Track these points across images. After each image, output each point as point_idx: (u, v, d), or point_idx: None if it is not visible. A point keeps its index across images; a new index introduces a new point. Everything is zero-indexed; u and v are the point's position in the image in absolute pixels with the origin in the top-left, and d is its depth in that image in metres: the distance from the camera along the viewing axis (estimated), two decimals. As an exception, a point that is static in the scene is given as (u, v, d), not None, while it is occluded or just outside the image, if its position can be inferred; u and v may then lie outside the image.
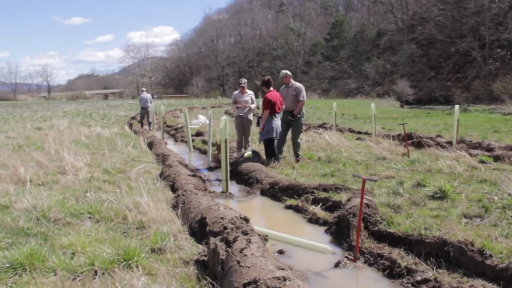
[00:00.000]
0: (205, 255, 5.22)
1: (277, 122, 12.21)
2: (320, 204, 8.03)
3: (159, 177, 10.42)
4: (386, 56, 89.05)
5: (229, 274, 4.30)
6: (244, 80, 13.91)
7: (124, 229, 6.36)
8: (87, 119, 33.57)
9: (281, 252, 6.07)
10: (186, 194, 7.88)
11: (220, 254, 4.66)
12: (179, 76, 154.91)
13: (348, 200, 7.21)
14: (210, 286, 4.52)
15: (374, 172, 10.70)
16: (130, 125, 28.30)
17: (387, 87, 77.54)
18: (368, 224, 6.44)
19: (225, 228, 5.62)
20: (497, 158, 11.65)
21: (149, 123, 27.29)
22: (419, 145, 14.77)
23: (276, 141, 12.38)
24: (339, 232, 6.61)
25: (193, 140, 18.13)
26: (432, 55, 78.56)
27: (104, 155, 13.37)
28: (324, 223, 7.30)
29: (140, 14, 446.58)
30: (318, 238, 6.69)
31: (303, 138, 14.24)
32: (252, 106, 13.58)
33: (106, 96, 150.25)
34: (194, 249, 5.61)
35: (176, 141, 21.29)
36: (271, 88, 12.32)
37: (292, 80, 12.68)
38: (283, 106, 12.37)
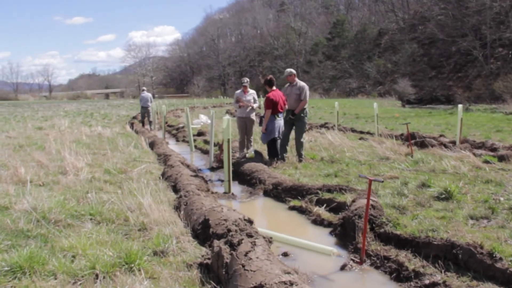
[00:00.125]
0: (208, 258, 5.11)
1: (280, 121, 12.10)
2: (325, 205, 7.93)
3: (161, 178, 10.33)
4: (387, 55, 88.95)
5: (233, 278, 4.19)
6: (246, 79, 13.80)
7: (125, 231, 6.25)
8: (88, 119, 33.49)
9: (285, 254, 5.96)
10: (189, 195, 7.78)
11: (224, 257, 4.56)
12: (180, 75, 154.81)
13: (353, 201, 7.09)
14: (214, 290, 4.43)
15: (377, 172, 10.59)
16: (131, 125, 28.21)
17: (388, 86, 77.48)
18: (373, 225, 6.33)
19: (229, 230, 5.52)
20: (501, 158, 11.53)
21: (150, 123, 27.22)
22: (422, 145, 14.65)
23: (279, 141, 12.29)
24: (344, 234, 6.51)
25: (194, 140, 18.06)
26: (433, 54, 78.51)
27: (105, 155, 13.28)
28: (329, 224, 7.20)
29: (141, 13, 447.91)
30: (323, 240, 6.58)
31: (305, 138, 14.11)
32: (255, 105, 13.46)
33: (107, 96, 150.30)
34: (197, 252, 5.50)
35: (177, 141, 21.22)
36: (274, 88, 12.22)
37: (296, 79, 12.55)
38: (286, 106, 12.27)
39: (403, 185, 8.90)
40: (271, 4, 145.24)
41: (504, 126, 21.38)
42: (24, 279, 4.61)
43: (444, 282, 4.77)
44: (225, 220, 5.91)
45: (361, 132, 20.39)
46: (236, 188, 10.31)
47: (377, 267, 5.49)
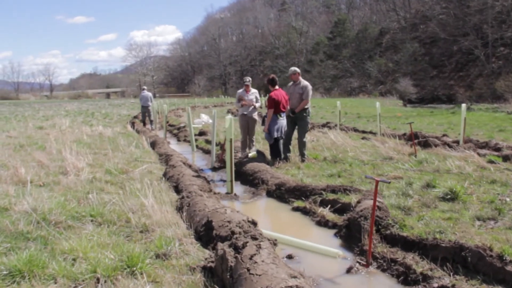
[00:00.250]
0: (212, 261, 5.00)
1: (282, 121, 12.00)
2: (329, 206, 7.81)
3: (162, 178, 10.22)
4: (388, 54, 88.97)
5: (238, 282, 4.09)
6: (248, 78, 13.67)
7: (127, 233, 6.15)
8: (89, 118, 33.40)
9: (290, 257, 5.85)
10: (191, 196, 7.66)
11: (228, 261, 4.44)
12: (181, 75, 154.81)
13: (358, 202, 6.96)
14: (219, 295, 4.33)
15: (381, 172, 10.49)
16: (133, 124, 28.10)
17: (389, 85, 77.48)
18: (379, 227, 6.22)
19: (233, 232, 5.41)
20: (506, 158, 11.44)
21: (151, 122, 27.14)
22: (425, 144, 14.56)
23: (281, 140, 12.19)
24: (350, 236, 6.39)
25: (196, 140, 17.97)
26: (435, 53, 78.52)
27: (107, 155, 13.19)
28: (333, 226, 7.09)
29: (142, 13, 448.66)
30: (328, 241, 6.46)
31: (308, 137, 14.01)
32: (257, 104, 13.36)
33: (108, 95, 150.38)
34: (200, 255, 5.39)
35: (178, 140, 21.13)
36: (277, 87, 12.12)
37: (300, 78, 12.45)
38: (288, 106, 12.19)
39: (408, 185, 8.80)
40: (272, 3, 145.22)
41: (507, 125, 21.28)
42: (23, 283, 4.50)
43: (453, 285, 4.67)
44: (229, 222, 5.80)
45: (363, 132, 20.31)
46: (238, 188, 10.21)
47: (383, 270, 5.37)
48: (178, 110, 44.36)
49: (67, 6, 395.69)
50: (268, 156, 12.61)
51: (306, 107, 12.24)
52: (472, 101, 47.90)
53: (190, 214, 6.79)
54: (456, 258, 5.16)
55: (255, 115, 13.45)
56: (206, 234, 5.95)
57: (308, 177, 10.25)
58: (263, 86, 72.16)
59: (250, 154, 12.46)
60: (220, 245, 4.93)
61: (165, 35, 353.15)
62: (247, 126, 13.26)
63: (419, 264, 5.22)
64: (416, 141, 14.33)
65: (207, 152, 15.80)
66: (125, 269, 4.78)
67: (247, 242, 4.78)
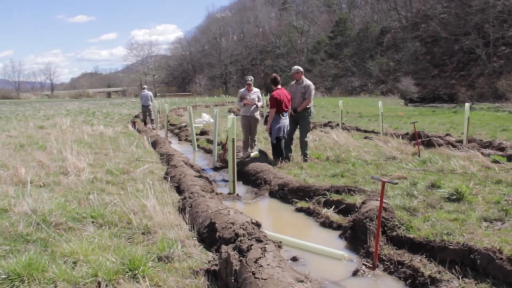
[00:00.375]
0: (216, 265, 4.89)
1: (285, 121, 11.91)
2: (333, 207, 7.72)
3: (164, 178, 10.13)
4: (389, 53, 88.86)
5: (243, 286, 3.98)
6: (250, 77, 13.58)
7: (129, 235, 6.04)
8: (90, 118, 33.27)
9: (294, 259, 5.74)
10: (193, 196, 7.56)
11: (233, 264, 4.33)
12: (182, 74, 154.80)
13: (363, 203, 6.85)
14: (223, 299, 4.22)
15: (385, 172, 10.40)
16: (134, 124, 28.00)
17: (390, 85, 77.44)
18: (385, 229, 6.11)
19: (237, 234, 5.30)
20: (510, 158, 11.34)
21: (152, 121, 27.05)
22: (428, 144, 14.46)
23: (283, 140, 12.10)
24: (355, 237, 6.29)
25: (197, 139, 17.88)
26: (436, 52, 78.45)
27: (107, 155, 13.11)
28: (338, 227, 6.98)
29: (143, 12, 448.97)
30: (333, 243, 6.36)
31: (310, 137, 13.92)
32: (259, 104, 13.26)
33: (109, 95, 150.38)
34: (203, 257, 5.29)
35: (180, 140, 21.02)
36: (279, 86, 12.03)
37: (303, 77, 12.36)
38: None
39: (412, 185, 8.71)
40: (273, 2, 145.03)
41: (510, 125, 21.18)
42: (22, 287, 4.39)
43: (462, 289, 4.57)
44: (232, 223, 5.69)
45: (366, 131, 20.20)
46: (240, 188, 10.11)
47: (390, 273, 5.27)
48: (179, 110, 44.25)
49: (68, 5, 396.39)
50: (271, 156, 12.52)
51: (308, 106, 12.15)
52: (473, 101, 47.76)
53: (192, 215, 6.68)
54: (465, 260, 5.05)
55: (257, 115, 13.35)
56: (209, 236, 5.84)
57: (311, 177, 10.16)
58: (264, 85, 72.19)
59: (252, 154, 12.37)
60: (224, 248, 4.82)
61: (166, 34, 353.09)
62: (249, 125, 13.17)
63: (427, 267, 5.11)
64: (419, 140, 14.23)
65: (208, 151, 15.71)
66: (127, 272, 4.66)
67: (252, 245, 4.66)
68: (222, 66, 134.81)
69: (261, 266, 4.11)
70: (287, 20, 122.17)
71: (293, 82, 12.52)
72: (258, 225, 5.78)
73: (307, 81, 12.28)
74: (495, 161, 10.90)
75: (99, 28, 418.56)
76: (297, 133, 12.60)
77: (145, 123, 27.51)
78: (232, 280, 4.25)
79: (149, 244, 5.64)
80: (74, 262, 4.96)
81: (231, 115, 9.67)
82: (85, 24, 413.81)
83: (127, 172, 10.66)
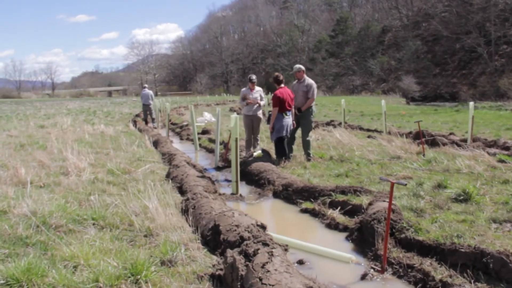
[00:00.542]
0: (221, 269, 4.74)
1: (288, 120, 11.78)
2: (339, 208, 7.57)
3: (165, 178, 9.99)
4: (391, 52, 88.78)
5: (250, 292, 3.84)
6: (254, 76, 13.45)
7: (130, 237, 5.89)
8: (91, 117, 33.11)
9: (301, 262, 5.60)
10: (196, 197, 7.41)
11: (239, 269, 4.19)
12: (183, 73, 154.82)
13: (370, 204, 6.70)
14: (229, 305, 4.08)
15: (390, 172, 10.26)
16: (135, 123, 27.90)
17: (392, 83, 77.45)
18: (393, 231, 5.95)
19: (242, 237, 5.16)
20: (516, 157, 11.21)
21: (153, 120, 26.98)
22: (432, 143, 14.34)
23: (287, 139, 11.98)
24: (362, 239, 6.15)
25: (199, 139, 17.74)
26: (437, 51, 78.40)
27: (108, 155, 12.97)
28: (344, 229, 6.84)
29: (144, 11, 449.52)
30: (339, 245, 6.22)
31: (312, 136, 13.78)
32: (262, 103, 13.14)
33: (110, 94, 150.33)
34: (207, 261, 5.14)
35: (181, 139, 20.89)
36: (282, 85, 11.91)
37: (305, 76, 12.26)
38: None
39: (418, 185, 8.58)
40: (274, 1, 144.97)
41: (513, 124, 21.02)
42: (21, 293, 4.26)
43: (475, 294, 4.43)
44: (237, 226, 5.54)
45: (368, 130, 20.09)
46: (243, 189, 9.98)
47: (400, 277, 5.12)
48: (180, 108, 44.12)
49: (69, 4, 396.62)
50: (274, 155, 12.39)
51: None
52: (475, 99, 47.63)
53: (195, 217, 6.53)
54: (477, 264, 4.90)
55: (260, 114, 13.23)
56: (213, 239, 5.70)
57: (315, 177, 10.02)
58: (265, 84, 72.09)
59: (255, 153, 12.23)
60: (229, 252, 4.67)
61: (167, 34, 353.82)
62: (251, 124, 13.06)
63: (437, 271, 4.97)
64: (423, 139, 14.10)
65: (210, 151, 15.60)
66: (129, 277, 4.51)
67: (258, 249, 4.50)
68: (223, 65, 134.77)
69: (268, 271, 3.97)
70: (288, 19, 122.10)
71: (295, 82, 12.42)
72: (263, 227, 5.64)
73: (309, 80, 12.18)
74: (501, 161, 10.78)
75: (100, 27, 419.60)
76: (299, 132, 12.47)
77: (146, 122, 27.40)
78: (238, 286, 4.11)
79: (151, 247, 5.50)
80: (75, 267, 4.81)
81: (234, 114, 9.54)
82: (86, 23, 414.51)
83: (128, 172, 10.52)
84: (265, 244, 4.72)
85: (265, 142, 14.85)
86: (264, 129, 15.47)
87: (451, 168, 10.25)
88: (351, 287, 4.98)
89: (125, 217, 6.62)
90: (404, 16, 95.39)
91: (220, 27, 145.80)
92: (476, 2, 70.75)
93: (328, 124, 22.74)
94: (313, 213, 7.80)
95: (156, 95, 39.06)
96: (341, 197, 7.91)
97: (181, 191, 8.82)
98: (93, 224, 6.37)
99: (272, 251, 4.37)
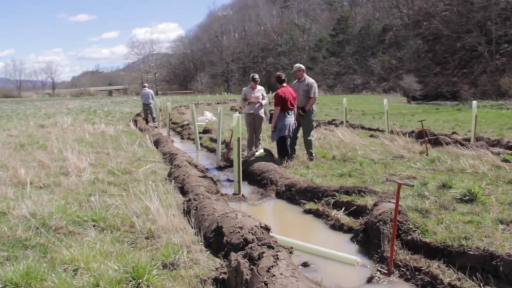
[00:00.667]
0: (224, 273, 4.62)
1: (290, 119, 11.69)
2: (343, 208, 7.45)
3: (167, 178, 9.88)
4: (391, 51, 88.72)
5: (255, 297, 3.73)
6: (257, 75, 13.36)
7: (132, 239, 5.78)
8: (91, 116, 33.02)
9: (305, 264, 5.49)
10: (199, 198, 7.29)
11: (244, 273, 4.08)
12: (183, 72, 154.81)
13: (375, 205, 6.58)
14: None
15: (393, 172, 10.16)
16: (135, 122, 27.78)
17: (392, 82, 77.37)
18: (399, 232, 5.84)
19: (246, 239, 5.05)
20: (520, 157, 11.09)
21: (153, 119, 26.90)
22: (435, 142, 14.22)
23: (289, 139, 11.88)
24: (367, 241, 6.04)
25: (200, 138, 17.62)
26: (438, 50, 78.30)
27: (109, 154, 12.87)
28: (349, 230, 6.73)
29: (145, 11, 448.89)
30: (344, 247, 6.11)
31: (314, 135, 13.69)
32: (263, 102, 13.05)
33: (110, 93, 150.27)
34: (211, 264, 5.02)
35: (182, 138, 20.79)
36: (284, 84, 11.81)
37: (305, 75, 12.19)
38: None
39: (423, 185, 8.48)
40: (274, 0, 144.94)
41: (516, 123, 20.94)
42: (20, 297, 4.15)
43: (485, 297, 4.32)
44: (240, 228, 5.42)
45: (371, 129, 19.98)
46: (246, 189, 9.87)
47: (407, 280, 5.01)
48: (181, 108, 43.99)
49: (70, 4, 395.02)
50: (276, 155, 12.30)
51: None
52: (476, 98, 47.53)
53: (198, 218, 6.41)
54: (486, 267, 4.79)
55: (262, 113, 13.15)
56: (216, 241, 5.58)
57: (318, 177, 9.91)
58: (265, 83, 71.93)
59: (257, 153, 12.12)
60: (233, 256, 4.55)
61: (167, 33, 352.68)
62: (253, 124, 12.97)
63: (445, 274, 4.85)
64: (426, 138, 13.99)
65: (211, 150, 15.52)
66: (130, 281, 4.40)
67: (263, 253, 4.38)
68: (224, 64, 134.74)
69: (273, 275, 3.85)
70: (288, 18, 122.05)
71: (295, 81, 12.34)
72: (267, 229, 5.53)
73: (309, 79, 12.11)
74: (505, 160, 10.69)
75: (100, 26, 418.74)
76: (300, 131, 12.37)
77: (147, 122, 27.31)
78: (243, 290, 4.01)
79: (153, 250, 5.39)
80: (75, 270, 4.70)
81: (236, 114, 9.44)
82: (86, 22, 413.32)
83: (129, 172, 10.42)
84: (270, 247, 4.61)
85: (266, 141, 14.75)
86: (266, 128, 15.36)
87: (455, 167, 10.14)
88: (358, 290, 4.87)
89: (126, 218, 6.51)
90: (405, 15, 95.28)
91: (220, 26, 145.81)
92: (477, 1, 70.70)
93: (329, 123, 22.67)
94: (317, 214, 7.69)
95: (156, 94, 39.04)
96: (345, 198, 7.80)
97: (183, 191, 8.70)
98: (94, 225, 6.27)
99: (277, 255, 4.25)
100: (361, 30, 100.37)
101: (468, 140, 14.24)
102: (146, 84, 29.32)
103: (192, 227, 6.22)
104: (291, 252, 5.15)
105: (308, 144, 12.08)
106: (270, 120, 12.12)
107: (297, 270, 4.21)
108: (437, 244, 5.39)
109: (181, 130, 23.40)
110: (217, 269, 4.86)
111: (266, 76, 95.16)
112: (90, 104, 60.70)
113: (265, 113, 13.85)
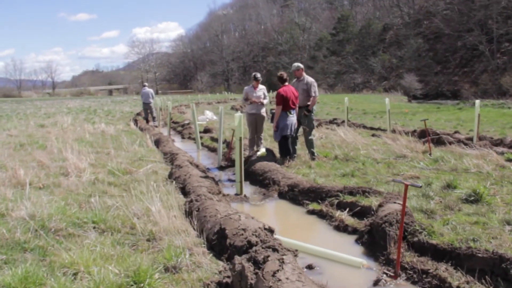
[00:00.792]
0: (228, 276, 4.52)
1: (292, 118, 11.59)
2: (347, 209, 7.34)
3: (168, 179, 9.77)
4: (392, 50, 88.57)
5: (260, 303, 3.62)
6: (259, 74, 13.25)
7: (132, 242, 5.66)
8: (92, 116, 32.91)
9: (310, 267, 5.38)
10: (200, 199, 7.16)
11: (248, 277, 3.96)
12: (183, 71, 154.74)
13: (380, 205, 6.47)
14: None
15: (397, 171, 10.05)
16: (135, 122, 27.69)
17: (393, 81, 77.27)
18: (405, 234, 5.73)
19: (249, 242, 4.94)
20: (525, 157, 10.99)
21: (154, 118, 26.84)
22: (438, 142, 14.12)
23: (290, 139, 11.79)
24: (373, 243, 5.92)
25: (201, 137, 17.51)
26: (439, 49, 78.14)
27: (109, 154, 12.77)
28: (354, 231, 6.62)
29: (145, 10, 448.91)
30: (349, 249, 6.00)
31: (315, 135, 13.59)
32: (265, 101, 12.95)
33: (110, 92, 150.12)
34: (213, 267, 4.91)
35: (183, 138, 20.71)
36: (286, 83, 11.71)
37: (304, 74, 12.13)
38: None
39: (427, 185, 8.36)
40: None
41: (518, 122, 20.83)
42: (18, 302, 4.04)
43: (495, 301, 4.21)
44: (244, 230, 5.30)
45: (372, 128, 19.91)
46: (248, 189, 9.75)
47: (414, 283, 4.90)
48: (181, 107, 43.87)
49: (70, 3, 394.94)
50: (277, 154, 12.20)
51: (308, 103, 11.90)
52: (477, 97, 47.44)
53: (200, 220, 6.29)
54: (496, 270, 4.68)
55: (263, 112, 13.04)
56: (219, 243, 5.46)
57: (321, 177, 9.81)
58: (266, 82, 71.88)
59: (259, 153, 12.03)
60: (238, 259, 4.43)
61: (167, 32, 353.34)
62: (255, 123, 12.85)
63: (454, 276, 4.74)
64: (429, 138, 13.89)
65: (212, 150, 15.43)
66: (132, 286, 4.29)
67: (268, 256, 4.26)
68: (224, 63, 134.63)
69: (279, 280, 3.74)
70: (289, 17, 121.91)
71: (294, 80, 12.28)
72: (271, 231, 5.42)
73: (308, 78, 12.07)
74: (509, 160, 10.60)
75: (101, 26, 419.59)
76: (301, 131, 12.27)
77: (147, 121, 27.22)
78: (248, 295, 3.89)
79: (154, 252, 5.28)
80: (74, 274, 4.58)
81: (238, 113, 9.33)
82: (86, 22, 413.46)
83: (129, 172, 10.31)
84: (274, 250, 4.49)
85: (268, 141, 14.64)
86: (267, 127, 15.26)
87: (459, 167, 10.05)
88: (364, 294, 4.76)
89: (127, 220, 6.40)
90: (405, 14, 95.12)
91: (220, 25, 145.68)
92: (478, 0, 70.55)
93: (331, 122, 22.59)
94: (321, 215, 7.58)
95: (156, 93, 38.89)
96: (349, 198, 7.69)
97: (184, 192, 8.60)
98: (94, 227, 6.15)
99: (283, 258, 4.14)
100: (361, 29, 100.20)
101: (471, 139, 14.14)
102: (146, 84, 29.25)
103: (194, 229, 6.12)
104: (296, 255, 5.03)
105: (309, 144, 11.99)
106: (271, 120, 12.00)
107: (303, 274, 4.10)
108: (444, 246, 5.28)
109: (181, 129, 23.31)
110: (220, 272, 4.75)
111: (266, 75, 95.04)
112: (90, 103, 60.59)
113: (266, 113, 13.78)
